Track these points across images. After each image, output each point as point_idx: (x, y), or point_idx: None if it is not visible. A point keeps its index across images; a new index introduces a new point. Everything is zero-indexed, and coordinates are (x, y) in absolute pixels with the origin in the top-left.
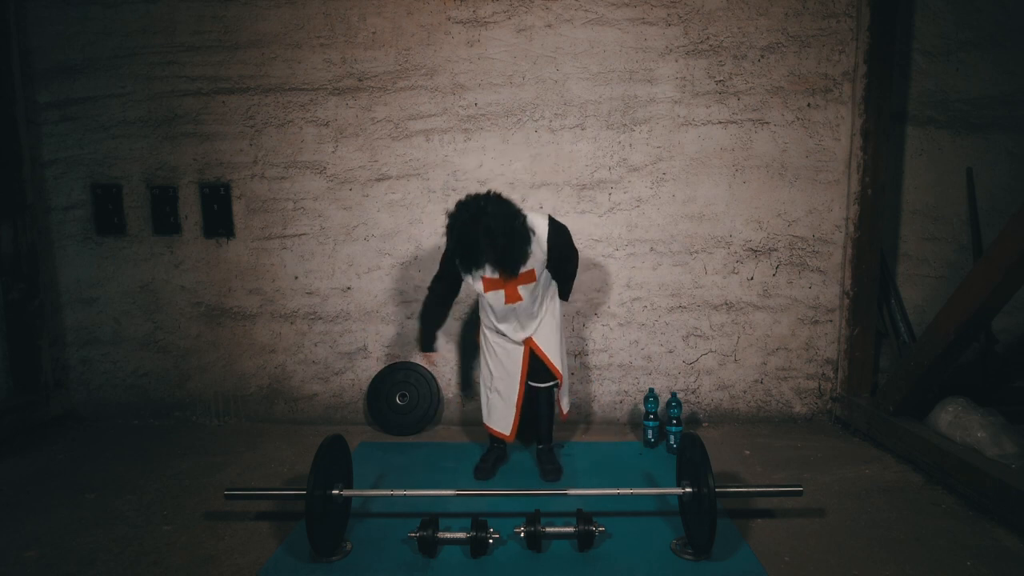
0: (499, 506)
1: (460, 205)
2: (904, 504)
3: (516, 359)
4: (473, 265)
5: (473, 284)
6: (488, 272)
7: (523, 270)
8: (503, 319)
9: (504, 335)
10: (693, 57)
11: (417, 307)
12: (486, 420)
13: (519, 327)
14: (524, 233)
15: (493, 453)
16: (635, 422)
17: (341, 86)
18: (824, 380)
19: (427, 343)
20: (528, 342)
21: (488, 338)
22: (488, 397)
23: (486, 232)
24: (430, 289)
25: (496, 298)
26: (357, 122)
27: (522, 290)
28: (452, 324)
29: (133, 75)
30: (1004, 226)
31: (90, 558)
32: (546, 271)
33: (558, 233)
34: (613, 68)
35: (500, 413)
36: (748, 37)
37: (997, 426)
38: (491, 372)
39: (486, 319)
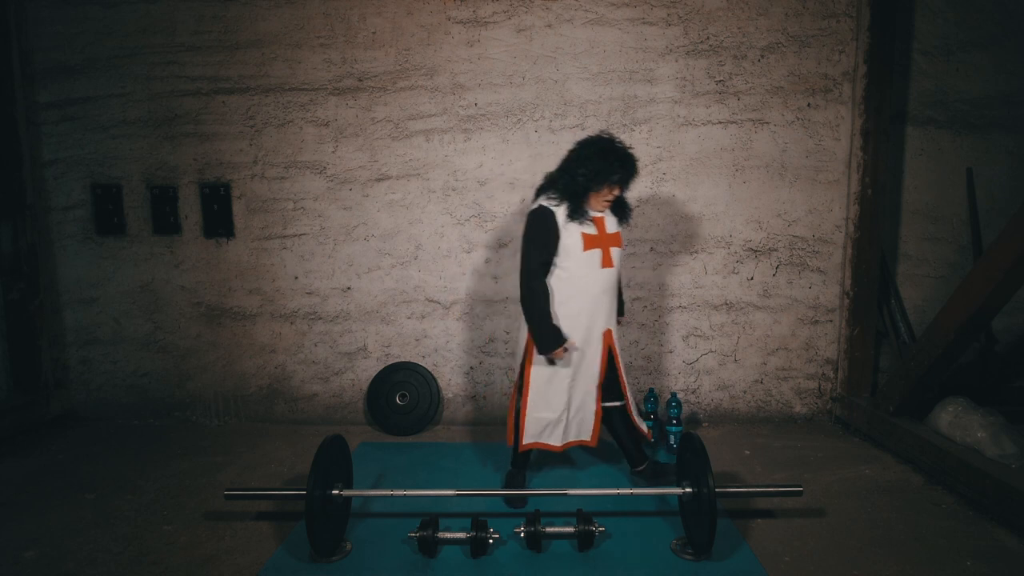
0: (499, 506)
1: (593, 137)
2: (904, 504)
3: (595, 355)
4: (608, 177)
5: (571, 245)
6: (607, 197)
7: (615, 230)
8: (591, 298)
9: (577, 331)
10: (693, 57)
11: (418, 307)
12: (544, 440)
13: (601, 312)
14: None
15: (520, 476)
16: None
17: (341, 86)
18: (824, 380)
19: (559, 335)
20: (607, 337)
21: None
22: (544, 415)
23: (623, 151)
24: (532, 280)
25: (592, 261)
26: (357, 122)
27: (614, 253)
28: (453, 324)
29: (133, 75)
30: (1004, 226)
31: (90, 558)
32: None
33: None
34: (613, 68)
35: (573, 423)
36: (748, 37)
37: (997, 426)
38: (562, 385)
39: (563, 311)
